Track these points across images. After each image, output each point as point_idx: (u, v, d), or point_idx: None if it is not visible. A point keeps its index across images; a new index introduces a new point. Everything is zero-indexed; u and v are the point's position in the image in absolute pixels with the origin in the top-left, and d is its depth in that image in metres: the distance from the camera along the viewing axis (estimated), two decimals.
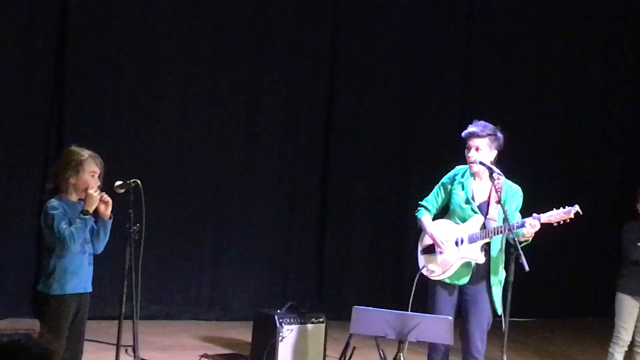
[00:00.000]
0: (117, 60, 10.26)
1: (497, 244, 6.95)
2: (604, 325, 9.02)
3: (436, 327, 6.38)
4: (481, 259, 6.88)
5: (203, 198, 10.70)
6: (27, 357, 2.51)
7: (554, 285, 12.35)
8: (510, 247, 6.60)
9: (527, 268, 6.42)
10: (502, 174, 6.76)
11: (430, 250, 7.06)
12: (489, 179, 6.95)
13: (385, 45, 11.65)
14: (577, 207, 6.72)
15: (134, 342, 6.42)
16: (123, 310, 6.19)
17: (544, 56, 12.63)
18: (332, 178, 11.44)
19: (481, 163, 6.82)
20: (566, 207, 6.74)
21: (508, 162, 7.25)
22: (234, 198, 10.88)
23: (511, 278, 6.54)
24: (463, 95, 12.11)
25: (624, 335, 8.33)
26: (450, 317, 6.42)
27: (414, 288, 6.82)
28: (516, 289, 6.63)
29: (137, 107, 10.40)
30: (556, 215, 6.73)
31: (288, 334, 8.02)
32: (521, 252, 6.46)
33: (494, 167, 6.77)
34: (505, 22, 12.36)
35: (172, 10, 10.52)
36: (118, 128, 10.29)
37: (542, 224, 6.71)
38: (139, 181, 6.15)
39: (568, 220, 6.76)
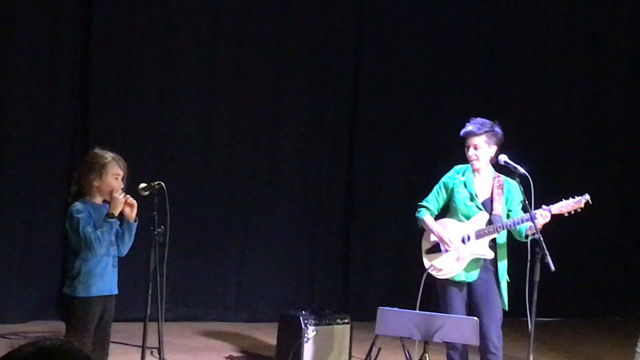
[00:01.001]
0: (142, 63, 10.29)
1: (503, 239, 7.00)
2: (632, 324, 8.96)
3: (462, 327, 6.37)
4: (490, 254, 6.92)
5: (228, 199, 10.70)
6: None
7: (580, 285, 12.27)
8: (535, 247, 6.58)
9: (553, 268, 6.41)
10: (527, 173, 6.73)
11: (436, 249, 7.08)
12: (491, 176, 7.02)
13: (409, 40, 11.60)
14: (587, 197, 6.75)
15: (159, 344, 6.43)
16: (148, 312, 6.21)
17: (569, 48, 12.54)
18: (357, 179, 11.42)
19: (506, 163, 6.81)
20: (576, 197, 6.75)
21: (535, 157, 7.22)
22: (258, 199, 10.88)
23: (537, 278, 6.52)
24: (488, 91, 12.09)
25: None
26: (476, 318, 6.41)
27: (421, 288, 6.84)
28: (542, 288, 6.60)
29: (161, 110, 10.42)
30: (567, 206, 6.78)
31: (313, 335, 8.00)
32: (547, 251, 6.45)
33: (519, 167, 6.75)
34: (530, 14, 12.30)
35: (195, 11, 10.54)
36: (143, 130, 10.31)
37: (553, 215, 6.72)
38: (163, 183, 6.17)
39: (579, 210, 6.78)
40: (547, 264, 6.44)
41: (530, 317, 6.56)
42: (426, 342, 6.22)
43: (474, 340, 6.35)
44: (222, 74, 10.70)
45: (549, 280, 6.76)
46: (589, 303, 12.36)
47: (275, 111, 10.96)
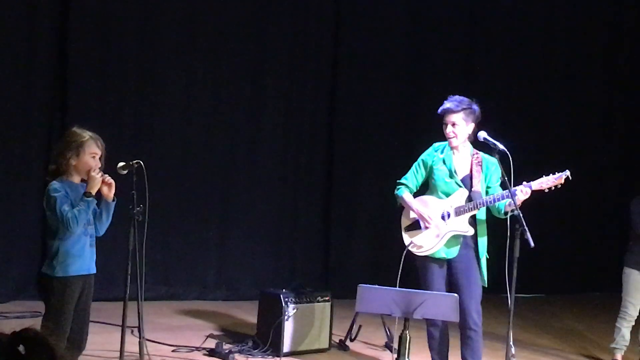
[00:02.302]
0: (121, 41, 10.23)
1: (483, 216, 7.02)
2: (611, 300, 9.01)
3: (442, 304, 6.37)
4: (470, 230, 6.93)
5: (208, 178, 10.68)
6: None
7: (560, 261, 12.33)
8: (515, 223, 6.59)
9: (532, 244, 6.43)
10: (507, 150, 6.72)
11: (415, 226, 7.08)
12: (469, 153, 7.04)
13: (389, 18, 11.58)
14: (567, 173, 6.78)
15: (139, 323, 6.42)
16: (128, 291, 6.20)
17: (548, 32, 12.58)
18: (337, 157, 11.43)
19: (485, 139, 6.81)
20: (556, 172, 6.77)
21: (512, 137, 7.22)
22: (239, 177, 10.86)
23: (516, 254, 6.53)
24: (468, 68, 12.11)
25: (631, 310, 8.33)
26: (456, 295, 6.42)
27: (401, 265, 6.83)
28: (522, 264, 6.61)
29: (140, 89, 10.37)
30: (547, 182, 6.80)
31: (294, 313, 8.02)
32: (526, 228, 6.46)
33: (498, 144, 6.75)
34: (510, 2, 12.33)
35: None
36: (121, 109, 10.26)
37: (533, 191, 6.74)
38: (141, 162, 6.15)
39: (559, 186, 6.79)
40: (527, 240, 6.44)
41: (510, 294, 6.57)
42: (406, 319, 6.22)
43: (454, 317, 6.36)
44: (201, 51, 10.66)
45: (528, 256, 6.77)
46: (569, 279, 12.43)
47: (254, 90, 10.92)
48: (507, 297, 6.58)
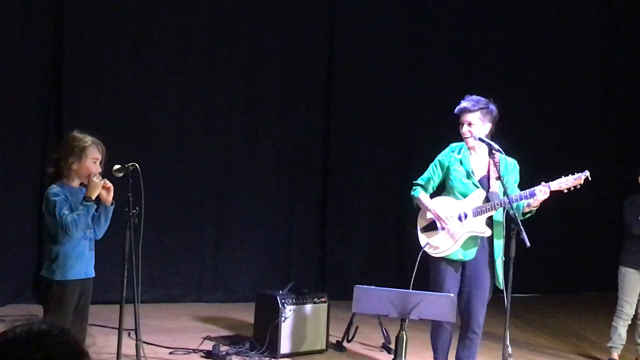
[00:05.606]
0: (115, 44, 10.21)
1: (500, 217, 6.94)
2: (607, 299, 9.03)
3: (438, 304, 6.37)
4: (487, 232, 6.86)
5: (204, 180, 10.68)
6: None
7: (556, 260, 12.34)
8: (511, 223, 6.58)
9: (528, 244, 6.41)
10: (501, 149, 6.73)
11: (432, 227, 7.02)
12: (487, 153, 6.96)
13: (384, 23, 11.59)
14: (587, 173, 6.77)
15: (135, 325, 6.42)
16: (124, 294, 6.20)
17: (544, 26, 12.57)
18: (333, 158, 11.42)
19: (480, 139, 6.79)
20: (576, 173, 6.75)
21: (510, 136, 7.23)
22: (235, 179, 10.86)
23: (512, 254, 6.53)
24: (464, 69, 12.10)
25: (628, 308, 8.35)
26: (452, 295, 6.42)
27: (416, 266, 6.79)
28: (518, 264, 6.62)
29: (135, 91, 10.36)
30: (566, 182, 6.76)
31: (290, 315, 8.02)
32: (522, 227, 6.45)
33: (493, 143, 6.75)
34: None
35: None
36: (117, 111, 10.25)
37: (552, 192, 6.71)
38: (137, 165, 6.16)
39: (578, 187, 6.77)
40: (523, 240, 6.43)
41: (507, 293, 6.57)
42: (403, 320, 6.23)
43: (451, 317, 6.37)
44: (196, 54, 10.64)
45: (524, 256, 6.77)
46: (565, 278, 12.44)
47: (249, 93, 10.92)
48: (504, 296, 6.59)
